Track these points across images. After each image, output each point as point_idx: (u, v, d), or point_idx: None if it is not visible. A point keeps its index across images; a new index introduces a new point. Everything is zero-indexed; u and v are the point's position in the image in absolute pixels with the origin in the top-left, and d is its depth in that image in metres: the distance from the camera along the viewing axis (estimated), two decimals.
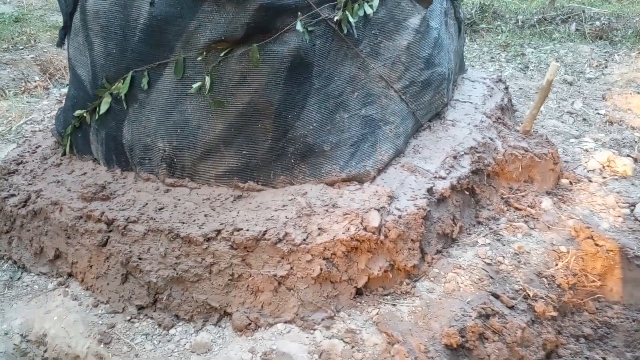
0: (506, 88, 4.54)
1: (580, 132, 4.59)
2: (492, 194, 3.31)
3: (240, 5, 2.35)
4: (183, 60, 2.53)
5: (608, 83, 6.06)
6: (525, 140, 3.55)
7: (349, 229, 2.42)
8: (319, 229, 2.42)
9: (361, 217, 2.46)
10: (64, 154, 3.19)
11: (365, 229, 2.43)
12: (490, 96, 4.15)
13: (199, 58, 2.49)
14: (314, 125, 2.65)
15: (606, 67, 6.66)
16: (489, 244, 2.92)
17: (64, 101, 3.40)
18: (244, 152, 2.63)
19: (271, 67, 2.49)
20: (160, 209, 2.59)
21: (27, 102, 4.93)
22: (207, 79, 2.50)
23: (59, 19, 6.98)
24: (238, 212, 2.53)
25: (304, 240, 2.38)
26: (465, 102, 3.90)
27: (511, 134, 3.61)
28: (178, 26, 2.47)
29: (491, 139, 3.44)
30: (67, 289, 2.71)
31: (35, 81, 5.40)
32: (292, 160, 2.66)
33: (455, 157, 3.13)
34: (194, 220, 2.49)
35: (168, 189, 2.73)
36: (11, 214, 2.95)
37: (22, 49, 6.27)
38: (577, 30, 8.32)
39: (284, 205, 2.54)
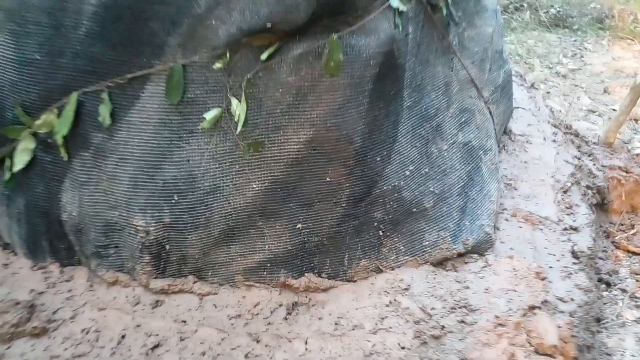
0: (532, 85, 3.72)
1: (621, 136, 3.89)
2: (598, 236, 2.41)
3: None
4: (182, 70, 1.34)
5: (595, 74, 5.53)
6: (616, 157, 2.70)
7: (513, 355, 1.37)
8: None
9: (525, 330, 1.43)
10: None
11: (537, 351, 1.40)
12: (534, 97, 3.28)
13: (217, 65, 1.32)
14: (411, 169, 1.57)
15: (582, 56, 6.16)
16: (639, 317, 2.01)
17: None
18: (299, 226, 1.49)
19: (350, 77, 1.37)
20: (153, 349, 1.39)
21: None
22: (235, 103, 1.33)
23: None
24: (306, 343, 1.39)
25: None
26: (516, 107, 2.98)
27: (595, 149, 2.74)
28: (172, 5, 1.28)
29: (579, 159, 2.54)
30: None
31: None
32: (381, 232, 1.56)
33: (565, 192, 2.19)
34: None
35: (157, 299, 1.52)
36: None
37: None
38: (531, 18, 7.83)
39: (382, 318, 1.44)
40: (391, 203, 1.53)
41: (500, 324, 1.43)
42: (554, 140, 2.63)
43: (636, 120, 4.25)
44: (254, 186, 1.43)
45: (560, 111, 4.32)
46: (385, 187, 1.51)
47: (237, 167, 1.41)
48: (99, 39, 1.36)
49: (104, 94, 1.40)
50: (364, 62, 1.37)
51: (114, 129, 1.43)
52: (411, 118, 1.58)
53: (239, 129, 1.32)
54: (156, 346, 1.39)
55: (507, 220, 1.92)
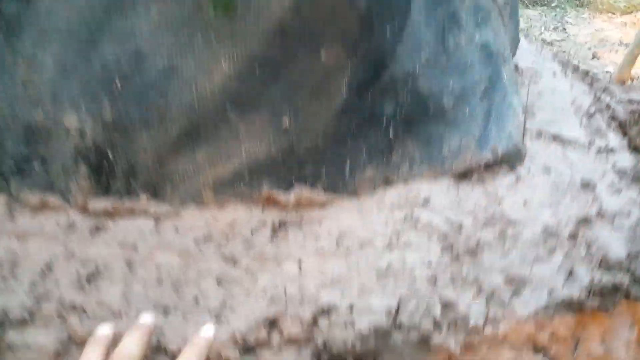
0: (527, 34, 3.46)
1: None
2: None
3: None
4: None
5: (581, 43, 5.35)
6: (634, 92, 2.42)
7: (572, 272, 1.05)
8: (510, 281, 1.02)
9: (584, 243, 1.10)
10: None
11: (601, 266, 1.07)
12: (533, 41, 3.01)
13: None
14: (427, 53, 1.23)
15: (565, 29, 5.99)
16: None
17: None
18: (285, 124, 1.13)
19: None
20: (89, 279, 1.01)
21: None
22: None
23: None
24: (299, 264, 1.04)
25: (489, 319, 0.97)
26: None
27: (609, 86, 2.46)
28: None
29: (595, 93, 2.26)
30: None
31: None
32: (390, 133, 1.21)
33: (590, 117, 1.89)
34: (192, 302, 0.96)
35: (98, 225, 1.14)
36: None
37: None
38: None
39: (397, 233, 1.10)
40: (404, 94, 1.19)
41: (550, 236, 1.10)
42: (565, 76, 2.34)
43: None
44: (224, 65, 1.07)
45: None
46: (397, 73, 1.17)
47: (201, 38, 1.05)
48: None
49: None
50: None
51: None
52: None
53: None
54: (93, 275, 1.01)
55: (532, 139, 1.60)
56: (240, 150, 1.13)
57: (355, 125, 1.16)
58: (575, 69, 2.67)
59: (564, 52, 4.93)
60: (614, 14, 6.39)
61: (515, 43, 2.25)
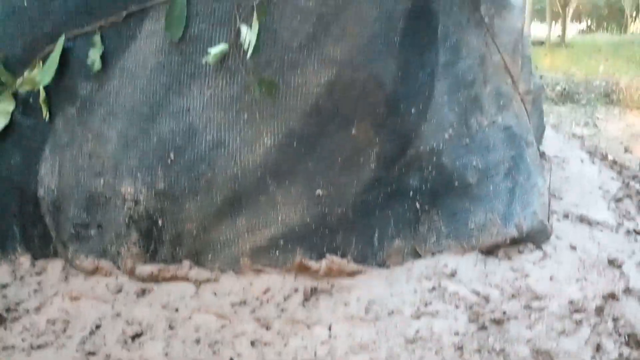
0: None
1: None
2: None
3: None
4: (185, 1, 1.16)
5: (613, 138, 5.41)
6: None
7: (600, 346, 1.05)
8: (536, 353, 1.03)
9: (612, 318, 1.11)
10: None
11: (628, 342, 1.07)
12: (560, 129, 3.11)
13: None
14: (450, 132, 1.33)
15: (596, 124, 6.08)
16: None
17: None
18: (318, 192, 1.22)
19: (380, 9, 1.19)
20: (134, 338, 1.08)
21: None
22: (245, 30, 1.13)
23: None
24: (330, 329, 1.08)
25: None
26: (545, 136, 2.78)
27: (637, 172, 2.49)
28: None
29: (624, 180, 2.30)
30: None
31: None
32: (418, 205, 1.28)
33: (618, 201, 1.92)
34: None
35: (144, 287, 1.23)
36: None
37: None
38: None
39: (425, 303, 1.13)
40: (429, 169, 1.28)
41: (577, 310, 1.12)
42: (593, 162, 2.40)
43: None
44: (266, 140, 1.20)
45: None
46: (422, 148, 1.27)
47: (246, 116, 1.19)
48: None
49: (95, 36, 1.22)
50: None
51: (105, 77, 1.23)
52: (447, 78, 1.37)
53: (249, 54, 1.11)
54: (138, 335, 1.08)
55: (559, 220, 1.64)
56: (276, 218, 1.22)
57: (383, 198, 1.25)
58: (604, 156, 2.74)
59: (595, 146, 4.97)
60: None
61: (540, 130, 2.35)
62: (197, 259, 1.25)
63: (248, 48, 1.11)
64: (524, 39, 2.01)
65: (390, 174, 1.24)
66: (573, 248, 1.40)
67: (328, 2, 1.14)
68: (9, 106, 1.32)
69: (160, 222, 1.23)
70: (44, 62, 1.26)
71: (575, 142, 2.81)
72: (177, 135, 1.20)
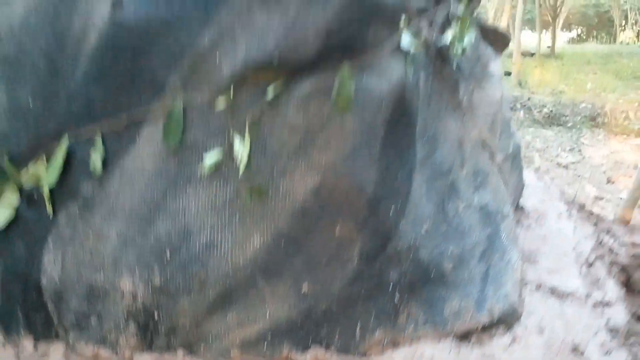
0: (539, 169, 3.68)
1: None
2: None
3: None
4: (182, 110, 1.26)
5: (596, 165, 5.54)
6: (637, 234, 2.56)
7: None
8: None
9: None
10: None
11: None
12: (542, 179, 3.22)
13: (220, 104, 1.23)
14: (427, 225, 1.43)
15: (580, 150, 6.21)
16: None
17: None
18: (304, 288, 1.32)
19: (361, 120, 1.29)
20: None
21: None
22: (238, 143, 1.23)
23: None
24: None
25: None
26: (525, 186, 2.90)
27: (613, 227, 2.61)
28: (174, 41, 1.22)
29: (598, 235, 2.41)
30: None
31: None
32: (396, 298, 1.38)
33: (590, 266, 2.03)
34: None
35: None
36: None
37: None
38: (526, 116, 8.06)
39: None
40: (407, 263, 1.38)
41: None
42: (570, 216, 2.51)
43: None
44: (255, 240, 1.29)
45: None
46: (400, 244, 1.37)
47: (238, 218, 1.28)
48: (97, 80, 1.29)
49: (97, 138, 1.30)
50: (375, 105, 1.29)
51: (105, 178, 1.31)
52: (425, 171, 1.47)
53: (241, 171, 1.20)
54: None
55: (531, 292, 1.74)
56: (265, 313, 1.31)
57: (364, 291, 1.34)
58: (581, 207, 2.85)
59: (579, 176, 5.10)
60: (628, 135, 6.64)
61: (520, 188, 2.45)
62: (191, 349, 1.34)
63: (240, 163, 1.20)
64: (503, 103, 2.12)
65: (371, 269, 1.34)
66: (541, 330, 1.50)
67: (314, 117, 1.23)
68: (14, 199, 1.40)
69: (156, 315, 1.32)
70: (47, 159, 1.35)
71: (554, 189, 2.91)
72: (173, 236, 1.29)
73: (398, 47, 1.31)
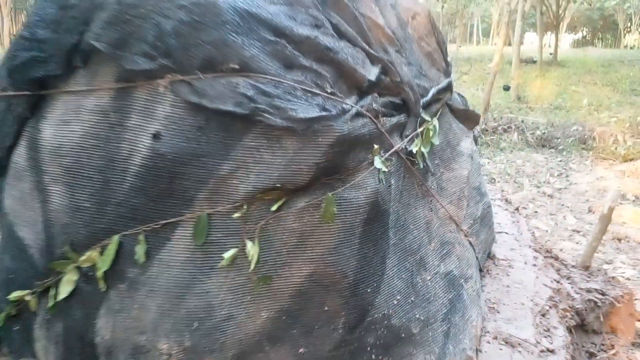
0: (517, 209, 4.06)
1: (604, 255, 4.13)
2: (580, 356, 2.58)
3: (308, 139, 1.56)
4: (207, 218, 1.65)
5: (581, 193, 5.90)
6: (593, 280, 2.94)
7: None
8: None
9: None
10: None
11: None
12: (518, 222, 3.59)
13: (236, 215, 1.63)
14: (398, 298, 1.82)
15: (568, 176, 6.58)
16: None
17: None
18: (301, 351, 1.71)
19: (343, 222, 1.68)
20: None
21: None
22: (250, 245, 1.62)
23: None
24: None
25: None
26: (500, 232, 3.28)
27: (572, 273, 2.99)
28: (202, 169, 1.62)
29: (558, 282, 2.79)
30: None
31: None
32: (373, 356, 1.77)
33: (543, 315, 2.41)
34: None
35: None
36: None
37: None
38: (519, 139, 8.42)
39: None
40: (382, 329, 1.77)
41: None
42: (535, 265, 2.89)
43: (619, 240, 4.53)
44: (263, 314, 1.68)
45: (547, 231, 4.62)
46: (376, 315, 1.76)
47: (249, 297, 1.67)
48: (140, 192, 1.68)
49: (140, 236, 1.70)
50: (354, 210, 1.68)
51: (147, 265, 1.71)
52: (397, 253, 1.86)
53: (252, 266, 1.60)
54: None
55: (489, 342, 2.13)
56: None
57: (348, 353, 1.73)
58: (548, 252, 3.23)
59: (562, 205, 5.47)
60: (614, 160, 7.00)
61: (490, 241, 2.84)
62: None
63: (251, 260, 1.60)
64: (471, 176, 2.51)
65: (352, 336, 1.73)
66: None
67: (307, 223, 1.63)
68: (74, 276, 1.80)
69: None
70: (101, 249, 1.75)
71: (526, 236, 3.28)
72: (199, 310, 1.69)
73: (372, 165, 1.70)
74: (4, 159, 1.99)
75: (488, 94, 9.39)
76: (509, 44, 16.76)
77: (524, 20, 12.99)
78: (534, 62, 19.72)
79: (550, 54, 21.36)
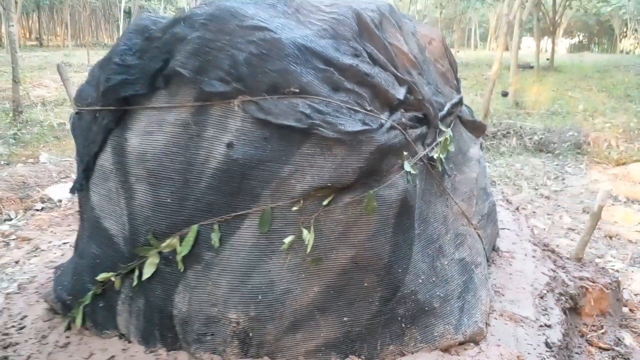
0: (517, 208, 4.46)
1: (596, 251, 4.53)
2: (573, 334, 2.98)
3: (354, 148, 1.96)
4: (271, 211, 2.05)
5: (576, 195, 6.30)
6: (585, 270, 3.34)
7: None
8: None
9: None
10: (69, 328, 2.44)
11: None
12: (518, 220, 3.99)
13: (294, 208, 2.02)
14: (422, 278, 2.22)
15: (564, 179, 6.98)
16: None
17: (67, 258, 2.70)
18: (345, 319, 2.10)
19: (380, 215, 2.08)
20: None
21: None
22: (306, 233, 2.01)
23: None
24: None
25: None
26: (503, 228, 3.68)
27: (568, 264, 3.39)
28: (267, 171, 2.02)
29: (554, 271, 3.18)
30: None
31: None
32: (403, 325, 2.17)
33: (542, 298, 2.80)
34: None
35: None
36: None
37: None
38: (518, 143, 8.84)
39: None
40: (410, 303, 2.16)
41: None
42: (534, 256, 3.28)
43: (610, 237, 4.93)
44: (315, 289, 2.07)
45: (544, 229, 5.02)
46: (405, 291, 2.15)
47: (304, 275, 2.07)
48: (215, 190, 2.08)
49: (215, 226, 2.09)
50: (388, 205, 2.08)
51: (220, 250, 2.10)
52: (421, 241, 2.26)
53: (308, 249, 1.99)
54: None
55: (496, 319, 2.52)
56: (320, 334, 2.10)
57: (382, 322, 2.13)
58: (546, 246, 3.63)
59: (559, 206, 5.87)
60: (608, 164, 7.41)
61: (495, 235, 3.23)
62: (273, 356, 2.12)
63: (307, 245, 1.99)
64: (479, 178, 2.90)
65: (386, 307, 2.12)
66: (499, 345, 2.28)
67: (351, 216, 2.02)
68: (156, 260, 2.19)
69: (251, 334, 2.10)
70: (181, 237, 2.14)
71: (526, 232, 3.68)
72: (262, 285, 2.08)
73: (402, 168, 2.10)
74: (90, 163, 2.39)
75: (487, 100, 9.80)
76: (507, 49, 17.19)
77: (521, 28, 13.41)
78: (531, 67, 20.15)
79: (547, 59, 21.78)
